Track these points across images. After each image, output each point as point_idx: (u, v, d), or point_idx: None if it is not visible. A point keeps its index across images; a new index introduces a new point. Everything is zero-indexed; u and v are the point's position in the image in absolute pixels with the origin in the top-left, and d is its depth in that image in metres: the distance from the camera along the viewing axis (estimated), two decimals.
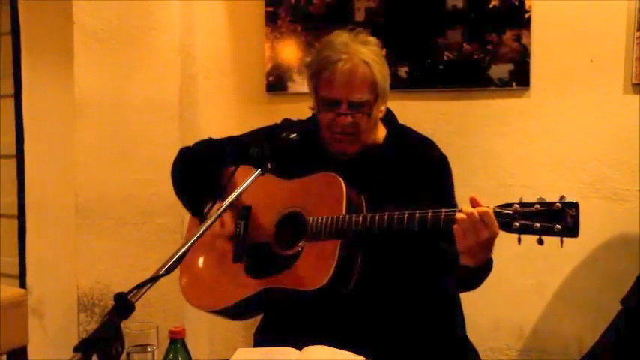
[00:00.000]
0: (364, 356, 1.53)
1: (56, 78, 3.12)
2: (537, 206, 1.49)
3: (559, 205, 1.47)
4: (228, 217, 1.88)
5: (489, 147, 2.68)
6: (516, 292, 2.67)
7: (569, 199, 1.48)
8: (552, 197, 2.65)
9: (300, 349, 1.58)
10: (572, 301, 2.64)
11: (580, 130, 2.60)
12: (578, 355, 2.51)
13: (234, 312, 1.90)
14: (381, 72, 1.84)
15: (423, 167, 1.89)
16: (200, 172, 1.97)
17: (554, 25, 2.60)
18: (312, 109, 1.94)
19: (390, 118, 1.98)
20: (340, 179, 1.78)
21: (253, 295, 1.82)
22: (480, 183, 2.64)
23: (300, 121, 1.96)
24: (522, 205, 1.52)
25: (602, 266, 2.60)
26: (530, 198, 2.54)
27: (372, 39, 1.89)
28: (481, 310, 2.55)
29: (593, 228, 2.57)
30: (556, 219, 1.47)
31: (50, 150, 3.23)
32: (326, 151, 1.91)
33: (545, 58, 2.61)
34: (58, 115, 3.15)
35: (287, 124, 1.93)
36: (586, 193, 2.59)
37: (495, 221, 1.53)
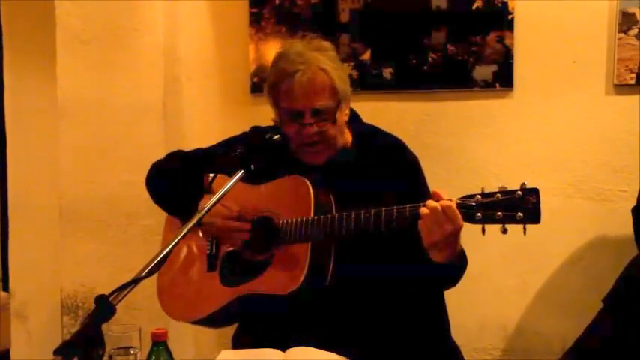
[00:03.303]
0: (347, 357, 1.53)
1: (39, 79, 3.10)
2: (499, 195, 1.49)
3: (520, 192, 1.47)
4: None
5: (473, 148, 2.69)
6: (500, 292, 2.68)
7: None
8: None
9: (282, 350, 1.59)
10: (555, 301, 2.65)
11: (563, 131, 2.62)
12: (561, 355, 2.52)
13: (213, 321, 1.91)
14: (339, 77, 1.82)
15: (395, 169, 1.88)
16: (181, 180, 1.96)
17: (537, 26, 2.62)
18: (275, 121, 1.91)
19: (354, 119, 1.96)
20: (307, 181, 1.78)
21: (228, 303, 1.82)
22: (464, 184, 2.64)
23: (268, 127, 1.94)
24: (484, 195, 1.51)
25: (586, 266, 2.61)
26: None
27: (327, 44, 1.87)
28: (465, 311, 2.56)
29: (577, 228, 2.59)
30: (518, 207, 1.46)
31: (33, 151, 3.21)
32: (296, 157, 1.89)
33: (528, 59, 2.63)
34: (41, 116, 3.12)
35: (256, 131, 1.93)
36: (569, 193, 2.61)
37: (459, 214, 1.52)
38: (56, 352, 1.08)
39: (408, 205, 1.61)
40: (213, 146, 2.06)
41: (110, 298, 1.19)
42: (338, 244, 1.74)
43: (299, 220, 1.75)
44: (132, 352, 1.42)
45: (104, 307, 1.16)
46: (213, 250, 1.92)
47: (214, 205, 1.55)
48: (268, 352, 1.59)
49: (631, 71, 2.52)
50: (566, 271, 2.64)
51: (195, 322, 1.92)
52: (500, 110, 2.67)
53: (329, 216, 1.71)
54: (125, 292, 1.23)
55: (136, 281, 1.25)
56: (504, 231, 1.48)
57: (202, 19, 2.87)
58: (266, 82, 1.90)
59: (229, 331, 2.77)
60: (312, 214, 1.74)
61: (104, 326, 1.16)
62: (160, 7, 2.66)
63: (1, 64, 3.30)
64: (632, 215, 2.23)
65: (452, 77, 2.69)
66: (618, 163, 2.58)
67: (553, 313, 2.66)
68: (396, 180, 1.84)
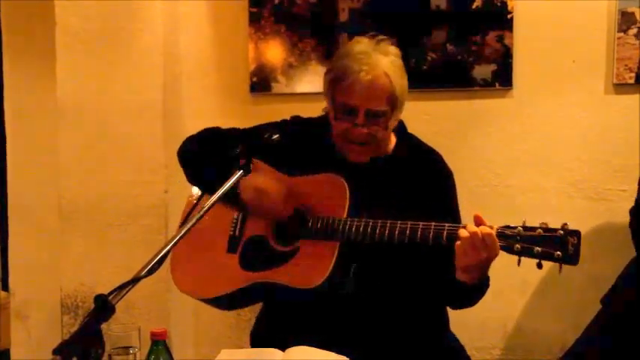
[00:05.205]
0: (350, 357, 1.53)
1: (39, 79, 3.10)
2: (540, 231, 1.53)
3: (561, 232, 1.51)
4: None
5: (473, 147, 2.69)
6: (501, 291, 2.67)
7: (573, 226, 1.54)
8: (536, 198, 2.66)
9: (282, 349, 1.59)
10: (555, 301, 2.65)
11: (562, 130, 2.62)
12: (561, 354, 2.52)
13: (224, 302, 1.91)
14: (400, 84, 1.82)
15: (431, 179, 1.90)
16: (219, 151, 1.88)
17: (536, 25, 2.62)
18: (326, 111, 1.91)
19: (399, 127, 1.96)
20: (345, 182, 1.78)
21: (243, 288, 1.82)
22: (465, 183, 2.62)
23: (309, 119, 1.96)
24: (525, 228, 1.55)
25: (585, 266, 2.58)
26: (515, 199, 2.56)
27: (393, 49, 1.86)
28: (466, 310, 2.55)
29: (576, 227, 2.58)
30: (557, 245, 1.51)
31: (33, 151, 3.21)
32: (336, 152, 1.90)
33: (528, 58, 2.63)
34: (41, 116, 3.12)
35: (297, 120, 1.94)
36: (569, 192, 2.61)
37: (497, 243, 1.55)
38: (55, 351, 1.07)
39: (447, 225, 1.63)
40: (250, 129, 2.01)
41: (109, 298, 1.19)
42: (364, 250, 1.74)
43: (331, 218, 1.75)
44: (131, 351, 1.42)
45: (103, 306, 1.16)
46: (237, 233, 1.91)
47: (213, 205, 1.54)
48: (268, 352, 1.59)
49: (630, 70, 2.52)
50: (565, 270, 2.62)
51: (203, 300, 1.91)
52: (499, 110, 2.66)
53: (363, 221, 1.72)
54: (124, 291, 1.23)
55: (135, 281, 1.25)
56: (540, 266, 1.52)
57: (202, 18, 2.87)
58: (326, 75, 1.89)
59: (229, 331, 2.78)
60: (345, 216, 1.75)
61: (104, 326, 1.16)
62: (159, 6, 2.66)
63: (1, 64, 3.30)
64: (630, 216, 2.23)
65: (451, 77, 2.68)
66: (618, 162, 2.57)
67: (553, 312, 2.66)
68: (430, 190, 1.86)
